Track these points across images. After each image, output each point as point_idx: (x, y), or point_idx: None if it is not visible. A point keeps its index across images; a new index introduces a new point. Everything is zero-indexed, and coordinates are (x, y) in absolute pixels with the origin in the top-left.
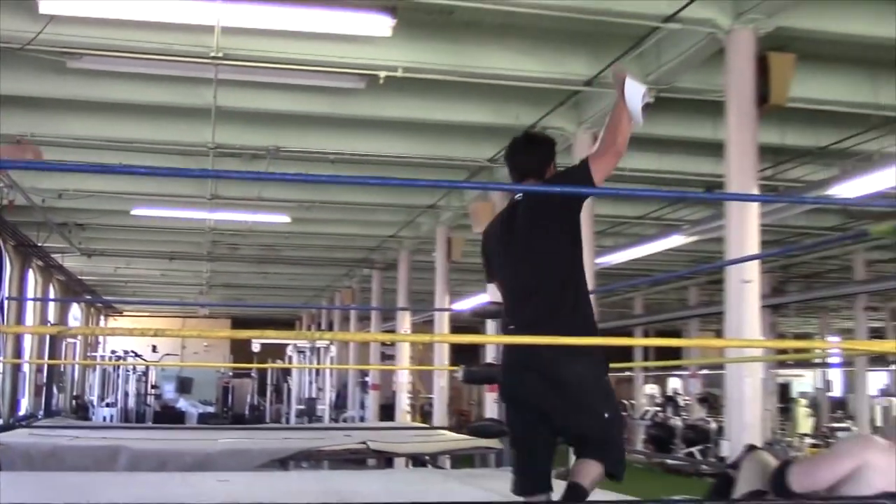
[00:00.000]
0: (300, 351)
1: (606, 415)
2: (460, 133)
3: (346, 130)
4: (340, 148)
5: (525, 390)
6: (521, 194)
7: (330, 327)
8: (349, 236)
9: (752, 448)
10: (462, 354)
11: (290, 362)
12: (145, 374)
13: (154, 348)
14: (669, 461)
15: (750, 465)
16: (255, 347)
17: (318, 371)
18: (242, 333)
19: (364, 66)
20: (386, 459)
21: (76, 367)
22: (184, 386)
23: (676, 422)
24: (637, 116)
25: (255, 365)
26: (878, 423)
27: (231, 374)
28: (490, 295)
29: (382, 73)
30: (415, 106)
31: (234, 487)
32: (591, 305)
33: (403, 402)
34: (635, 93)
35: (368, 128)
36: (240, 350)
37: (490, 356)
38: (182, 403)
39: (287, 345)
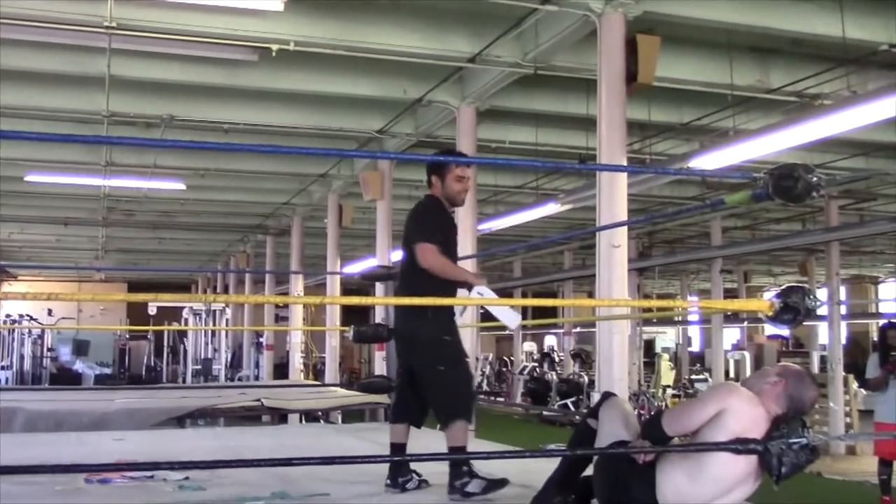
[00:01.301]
0: (196, 313)
1: (440, 367)
2: (350, 105)
3: (239, 101)
4: (234, 118)
5: (398, 345)
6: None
7: (226, 290)
8: (244, 203)
9: (608, 395)
10: (352, 315)
11: (186, 324)
12: (41, 337)
13: (50, 312)
14: (545, 412)
15: (610, 414)
16: (152, 310)
17: (213, 332)
18: (137, 297)
19: (257, 38)
20: (280, 416)
21: None
22: (80, 348)
23: (552, 376)
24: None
25: (151, 327)
26: (732, 374)
27: (128, 336)
28: (379, 259)
29: (275, 47)
30: (306, 79)
31: (130, 445)
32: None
33: (297, 361)
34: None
35: (261, 99)
36: (136, 313)
37: (379, 317)
38: (79, 365)
39: (183, 307)
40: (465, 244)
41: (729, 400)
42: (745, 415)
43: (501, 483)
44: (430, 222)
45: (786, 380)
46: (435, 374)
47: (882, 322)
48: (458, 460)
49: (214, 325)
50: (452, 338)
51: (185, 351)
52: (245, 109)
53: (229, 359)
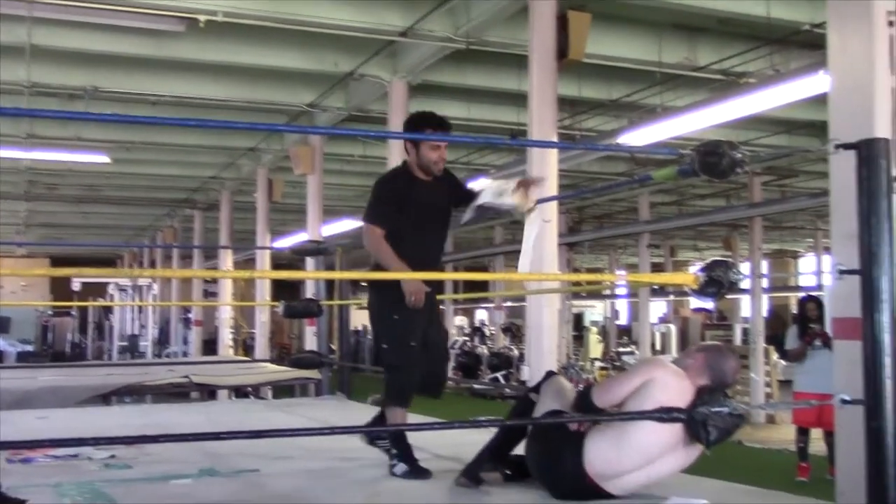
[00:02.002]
0: (122, 289)
1: (384, 345)
2: (280, 78)
3: (166, 73)
4: (161, 90)
5: None
6: None
7: (152, 266)
8: (170, 177)
9: (551, 374)
10: (283, 290)
11: (111, 300)
12: None
13: None
14: (476, 386)
15: (548, 388)
16: (76, 286)
17: (140, 308)
18: (60, 271)
19: (184, 9)
20: (209, 392)
21: None
22: (1, 325)
23: (483, 350)
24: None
25: (75, 303)
26: (658, 347)
27: (51, 312)
28: (309, 234)
29: (203, 17)
30: (235, 50)
31: (54, 423)
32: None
33: (226, 336)
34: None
35: (189, 71)
36: (60, 289)
37: (310, 292)
38: None
39: (108, 283)
40: None
41: (654, 372)
42: (671, 385)
43: (424, 474)
44: (377, 201)
45: (706, 352)
46: (381, 351)
47: (801, 295)
48: (392, 441)
49: (141, 300)
50: (401, 316)
51: (111, 327)
52: (172, 81)
53: (156, 335)
